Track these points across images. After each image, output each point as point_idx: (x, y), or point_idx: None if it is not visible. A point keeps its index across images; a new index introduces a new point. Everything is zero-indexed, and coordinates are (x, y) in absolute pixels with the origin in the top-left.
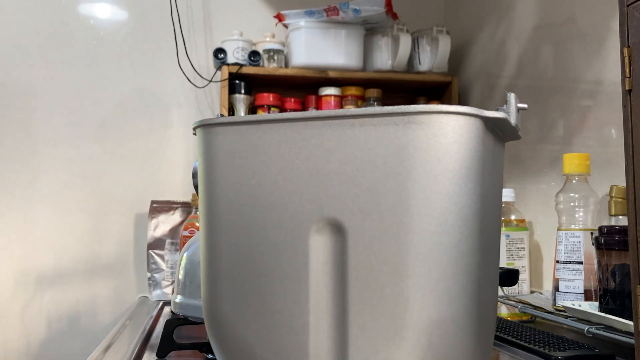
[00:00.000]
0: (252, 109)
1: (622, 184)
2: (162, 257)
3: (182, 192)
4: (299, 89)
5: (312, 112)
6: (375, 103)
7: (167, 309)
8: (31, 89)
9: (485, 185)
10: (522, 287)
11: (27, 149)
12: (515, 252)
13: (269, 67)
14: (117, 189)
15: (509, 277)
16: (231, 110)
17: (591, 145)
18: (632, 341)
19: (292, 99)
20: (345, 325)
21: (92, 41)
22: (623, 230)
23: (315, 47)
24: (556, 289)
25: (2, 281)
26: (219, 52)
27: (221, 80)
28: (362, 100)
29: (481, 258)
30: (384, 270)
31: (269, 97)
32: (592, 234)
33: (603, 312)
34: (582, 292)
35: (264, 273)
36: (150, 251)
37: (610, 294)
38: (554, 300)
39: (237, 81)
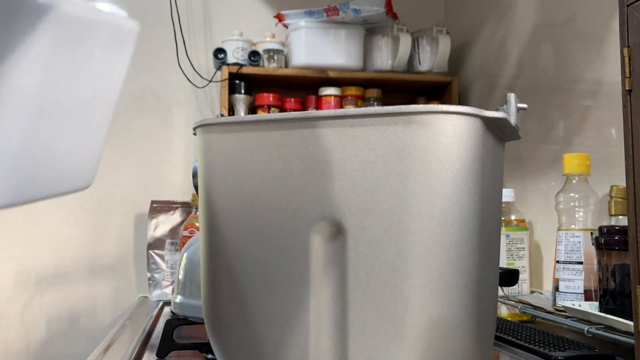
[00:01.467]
0: (252, 109)
1: (622, 184)
2: (162, 257)
3: (182, 192)
4: (299, 89)
5: (312, 112)
6: (375, 103)
7: (167, 309)
8: None
9: (485, 185)
10: (522, 287)
11: None
12: (515, 252)
13: (269, 67)
14: (117, 189)
15: (509, 277)
16: (231, 110)
17: (591, 145)
18: (632, 341)
19: (292, 99)
20: (345, 325)
21: None
22: (623, 230)
23: (315, 47)
24: (556, 289)
25: (2, 281)
26: (219, 52)
27: (221, 80)
28: (362, 100)
29: (481, 258)
30: (384, 270)
31: (269, 97)
32: (592, 234)
33: (603, 312)
34: (582, 292)
35: (264, 273)
36: (150, 251)
37: (610, 294)
38: (554, 300)
39: (237, 81)
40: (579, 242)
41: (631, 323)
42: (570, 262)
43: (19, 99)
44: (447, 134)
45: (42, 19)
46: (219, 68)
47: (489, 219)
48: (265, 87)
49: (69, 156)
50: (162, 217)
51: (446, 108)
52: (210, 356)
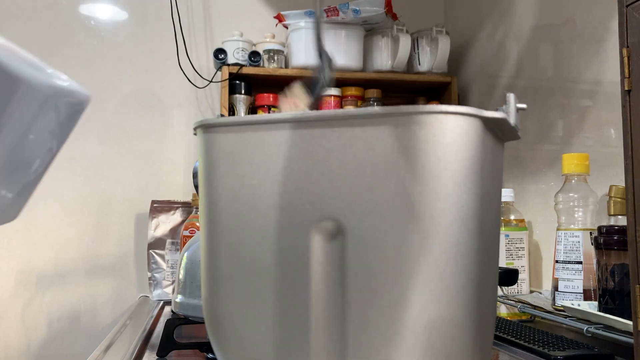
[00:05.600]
0: (253, 109)
1: (622, 184)
2: (162, 256)
3: (182, 192)
4: None
5: (312, 112)
6: (375, 103)
7: (167, 309)
8: None
9: (485, 185)
10: (522, 287)
11: None
12: (515, 251)
13: (269, 67)
14: (118, 188)
15: (509, 276)
16: (231, 111)
17: (590, 145)
18: (631, 341)
19: None
20: (345, 325)
21: (92, 41)
22: (622, 230)
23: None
24: (555, 288)
25: (2, 281)
26: (219, 53)
27: (221, 81)
28: (362, 101)
29: (480, 258)
30: (384, 270)
31: (269, 98)
32: (591, 233)
33: (602, 312)
34: (581, 291)
35: (264, 273)
36: (150, 251)
37: (610, 294)
38: (553, 299)
39: (237, 81)
40: (578, 241)
41: (630, 322)
42: (569, 262)
43: None
44: (446, 134)
45: (26, 95)
46: (219, 68)
47: (488, 218)
48: (266, 88)
49: (11, 198)
50: (162, 217)
51: (446, 108)
52: (210, 355)
